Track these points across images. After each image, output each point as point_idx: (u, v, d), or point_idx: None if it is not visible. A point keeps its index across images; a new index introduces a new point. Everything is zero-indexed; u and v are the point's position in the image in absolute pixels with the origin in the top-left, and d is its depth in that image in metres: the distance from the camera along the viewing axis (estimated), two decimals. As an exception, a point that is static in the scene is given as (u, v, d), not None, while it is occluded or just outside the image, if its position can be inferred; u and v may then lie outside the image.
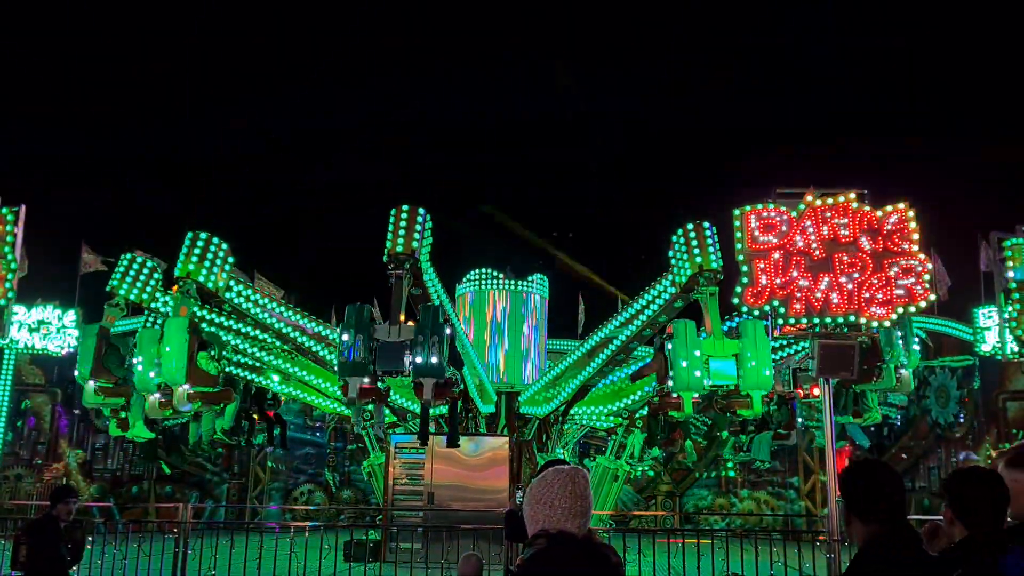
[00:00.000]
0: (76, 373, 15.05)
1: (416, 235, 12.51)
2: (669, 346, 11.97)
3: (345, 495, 27.72)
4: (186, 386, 12.92)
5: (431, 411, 14.15)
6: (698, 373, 11.70)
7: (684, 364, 11.69)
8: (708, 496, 27.35)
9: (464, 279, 20.54)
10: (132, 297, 15.07)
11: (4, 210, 11.60)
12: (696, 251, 12.45)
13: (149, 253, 16.41)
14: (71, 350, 22.65)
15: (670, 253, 13.30)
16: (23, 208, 11.84)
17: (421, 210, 12.72)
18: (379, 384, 12.15)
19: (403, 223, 12.55)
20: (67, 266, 23.18)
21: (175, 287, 13.76)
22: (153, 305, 15.60)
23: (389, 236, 12.51)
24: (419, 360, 11.55)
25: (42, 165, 31.10)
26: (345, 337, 11.67)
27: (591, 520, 3.26)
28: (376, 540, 16.20)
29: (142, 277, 15.23)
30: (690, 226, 12.75)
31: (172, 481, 25.76)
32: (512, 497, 11.37)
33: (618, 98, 40.40)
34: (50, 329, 22.81)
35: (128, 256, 15.28)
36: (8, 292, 11.36)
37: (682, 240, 12.88)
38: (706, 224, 12.53)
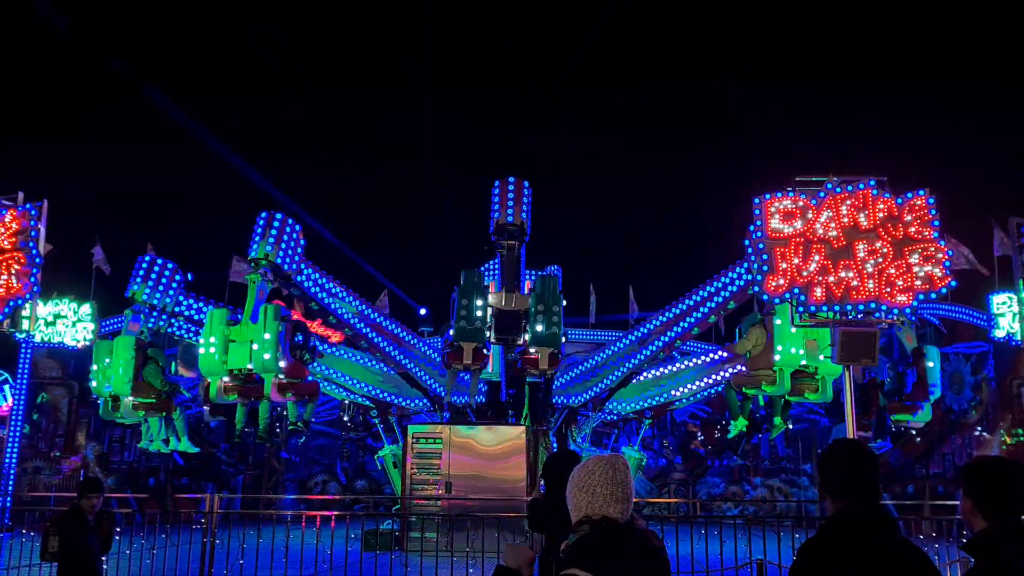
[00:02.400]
0: (93, 384, 14.70)
1: (524, 206, 12.59)
2: (777, 321, 12.14)
3: (359, 485, 27.90)
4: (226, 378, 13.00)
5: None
6: (796, 351, 12.12)
7: (787, 342, 12.08)
8: (721, 484, 27.43)
9: (482, 268, 20.59)
10: (155, 302, 14.61)
11: (28, 205, 11.68)
12: (497, 205, 12.52)
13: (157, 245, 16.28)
14: (87, 343, 22.79)
15: (746, 242, 13.26)
16: (45, 203, 11.91)
17: (526, 182, 12.76)
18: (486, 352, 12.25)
19: (511, 194, 12.57)
20: (82, 260, 23.34)
21: (254, 268, 13.26)
22: (177, 309, 15.13)
23: (496, 207, 12.53)
24: (538, 329, 11.62)
25: (59, 156, 31.21)
26: (464, 301, 11.66)
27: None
28: (396, 529, 16.32)
29: (163, 280, 14.71)
30: (504, 180, 12.80)
31: (188, 472, 25.95)
32: (536, 486, 11.48)
33: (629, 84, 40.35)
34: (66, 323, 22.94)
35: (147, 258, 14.83)
36: (34, 287, 11.45)
37: None
38: (518, 180, 12.61)
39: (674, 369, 18.02)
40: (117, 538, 9.74)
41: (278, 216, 13.52)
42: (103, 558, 8.72)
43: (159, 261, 14.82)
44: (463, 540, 12.14)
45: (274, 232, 13.54)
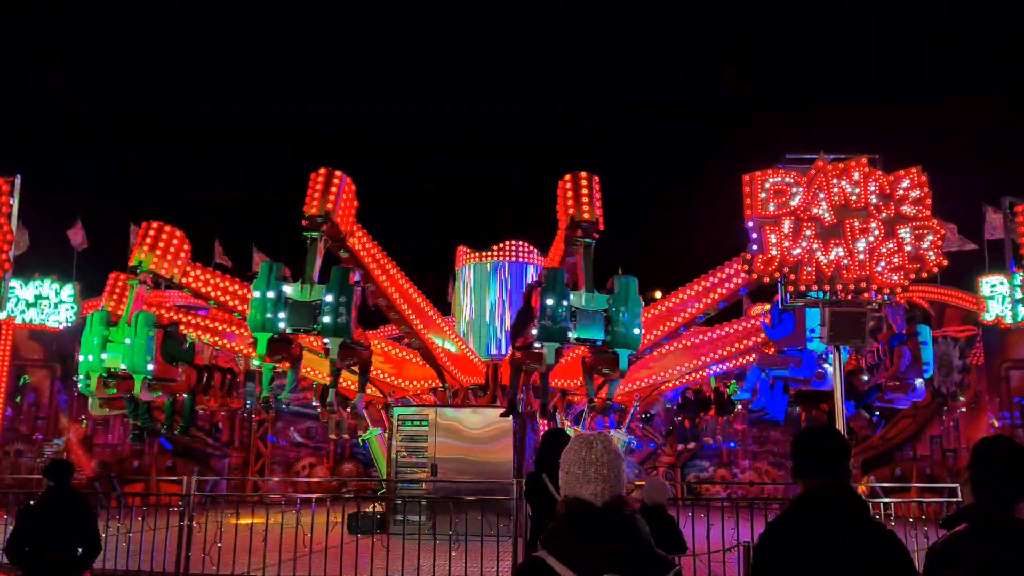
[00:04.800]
0: (123, 365, 13.91)
1: (598, 202, 12.16)
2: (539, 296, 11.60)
3: (347, 469, 27.81)
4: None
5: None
6: (565, 324, 11.36)
7: (550, 314, 11.33)
8: (709, 467, 27.43)
9: (467, 252, 20.46)
10: (162, 272, 13.84)
11: (-2, 180, 11.37)
12: (570, 201, 12.12)
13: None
14: (69, 325, 22.52)
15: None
16: (18, 178, 11.60)
17: (596, 176, 12.36)
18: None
19: (584, 189, 12.15)
20: (64, 240, 23.06)
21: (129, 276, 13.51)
22: (183, 280, 14.45)
23: (568, 202, 12.12)
24: (620, 330, 11.44)
25: (41, 136, 30.80)
26: (549, 300, 11.28)
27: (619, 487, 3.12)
28: (381, 513, 16.16)
29: (172, 249, 13.98)
30: (573, 175, 12.37)
31: (174, 456, 25.74)
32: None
33: (623, 66, 40.17)
34: (48, 304, 22.66)
35: (154, 226, 14.02)
36: (5, 263, 11.15)
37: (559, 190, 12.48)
38: (588, 174, 12.17)
39: (661, 352, 17.88)
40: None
41: (154, 225, 13.58)
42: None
43: (166, 228, 14.06)
44: (447, 523, 11.98)
45: (148, 240, 13.48)
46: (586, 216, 11.86)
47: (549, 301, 11.21)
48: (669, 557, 3.07)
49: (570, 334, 11.34)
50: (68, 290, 22.91)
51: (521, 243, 20.18)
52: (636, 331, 11.46)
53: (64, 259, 23.16)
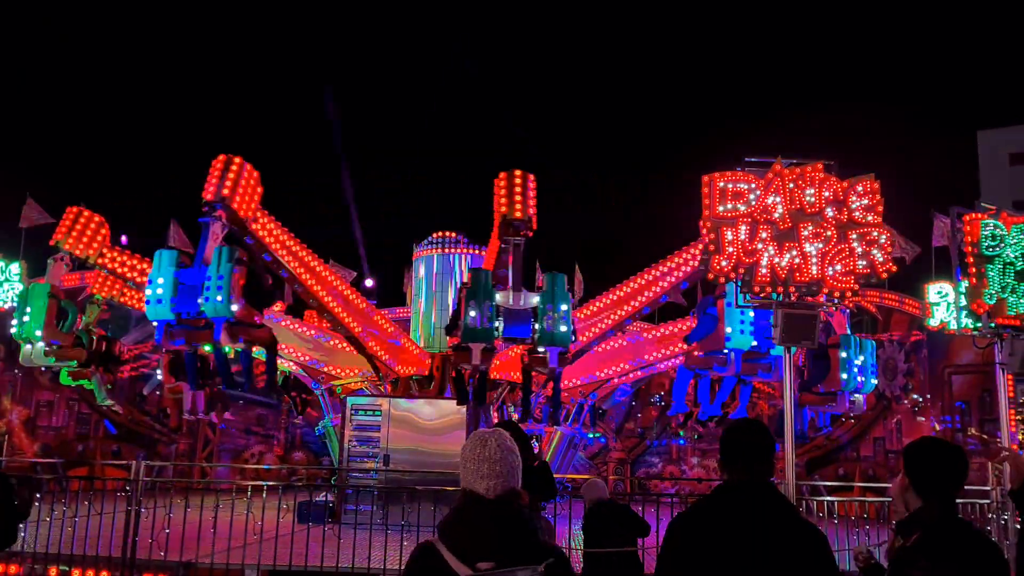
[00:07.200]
0: (14, 331, 14.87)
1: (532, 200, 12.31)
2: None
3: (297, 457, 27.61)
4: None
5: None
6: (490, 324, 11.62)
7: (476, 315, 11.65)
8: (659, 463, 27.78)
9: (425, 241, 20.43)
10: (77, 252, 14.92)
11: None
12: (503, 199, 12.38)
13: (96, 208, 15.94)
14: (14, 304, 21.94)
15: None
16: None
17: (531, 175, 12.42)
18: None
19: (517, 188, 12.25)
20: (10, 218, 22.43)
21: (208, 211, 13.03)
22: (100, 262, 15.39)
23: (501, 201, 12.23)
24: (547, 328, 11.48)
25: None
26: (472, 302, 11.45)
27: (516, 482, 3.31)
28: (332, 502, 16.10)
29: (88, 232, 14.99)
30: (508, 173, 12.61)
31: (119, 440, 25.30)
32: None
33: (585, 65, 40.34)
34: (-7, 283, 22.06)
35: (75, 209, 15.03)
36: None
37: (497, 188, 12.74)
38: (523, 172, 12.43)
39: (606, 348, 18.08)
40: (37, 505, 9.37)
41: (235, 159, 12.99)
42: (20, 526, 8.33)
43: (85, 213, 15.08)
44: (399, 513, 11.99)
45: (231, 175, 13.01)
46: (518, 215, 12.07)
47: (473, 302, 11.39)
48: (549, 547, 3.26)
49: (496, 334, 11.52)
50: (15, 268, 22.33)
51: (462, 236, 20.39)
52: (563, 328, 11.63)
53: (11, 237, 22.56)
